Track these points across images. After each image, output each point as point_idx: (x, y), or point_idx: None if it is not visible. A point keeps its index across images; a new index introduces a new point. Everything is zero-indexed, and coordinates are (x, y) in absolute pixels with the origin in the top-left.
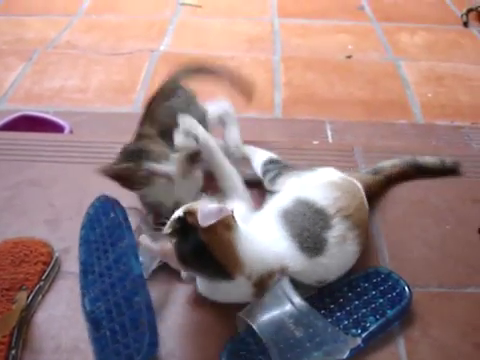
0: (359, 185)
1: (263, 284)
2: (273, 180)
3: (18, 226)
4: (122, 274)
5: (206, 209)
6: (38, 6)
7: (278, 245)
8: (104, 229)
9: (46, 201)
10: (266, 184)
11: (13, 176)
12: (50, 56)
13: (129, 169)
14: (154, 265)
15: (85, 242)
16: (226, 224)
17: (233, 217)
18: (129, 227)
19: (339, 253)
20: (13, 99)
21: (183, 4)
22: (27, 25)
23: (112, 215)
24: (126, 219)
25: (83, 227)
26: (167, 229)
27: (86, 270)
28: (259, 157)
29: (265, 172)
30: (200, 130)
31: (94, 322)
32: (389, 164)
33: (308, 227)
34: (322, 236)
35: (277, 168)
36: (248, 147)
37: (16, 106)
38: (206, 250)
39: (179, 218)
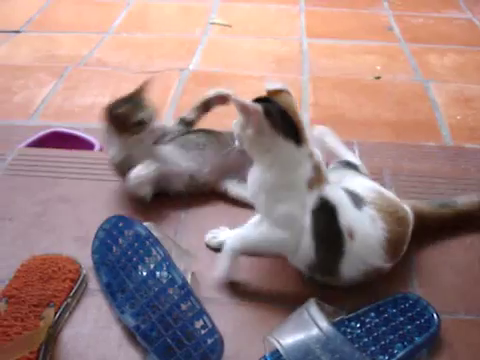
0: (410, 213)
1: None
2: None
3: (47, 242)
4: (164, 285)
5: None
6: (70, 23)
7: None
8: (126, 248)
9: (75, 218)
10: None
11: (43, 192)
12: (81, 73)
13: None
14: (188, 276)
15: (103, 265)
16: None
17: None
18: (156, 241)
19: (368, 223)
20: (44, 115)
21: (213, 23)
22: (59, 42)
23: (130, 233)
24: (150, 233)
25: (95, 251)
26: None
27: (114, 291)
28: (345, 154)
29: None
30: None
31: (144, 335)
32: (464, 199)
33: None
34: (359, 203)
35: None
36: (330, 135)
37: (47, 122)
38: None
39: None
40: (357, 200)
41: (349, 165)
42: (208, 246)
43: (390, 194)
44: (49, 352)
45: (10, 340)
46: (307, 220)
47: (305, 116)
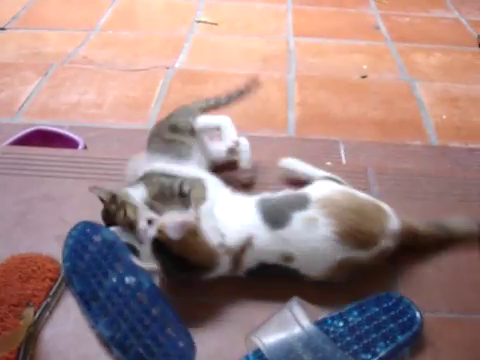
0: (392, 216)
1: (239, 259)
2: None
3: (29, 241)
4: (132, 291)
5: (171, 224)
6: (56, 20)
7: (244, 218)
8: (95, 254)
9: (58, 217)
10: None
11: (26, 191)
12: (66, 71)
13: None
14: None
15: (75, 273)
16: (192, 231)
17: (194, 223)
18: (123, 245)
19: (303, 231)
20: (28, 113)
21: (199, 21)
22: (45, 39)
23: (98, 239)
24: (117, 238)
25: (66, 259)
26: (149, 252)
27: (87, 299)
28: (319, 173)
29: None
30: None
31: (119, 345)
32: (461, 225)
33: (277, 205)
34: (288, 213)
35: (327, 179)
36: (298, 163)
37: (31, 120)
38: (185, 260)
39: (155, 239)
40: (297, 204)
41: (330, 179)
42: None
43: (364, 195)
44: (29, 351)
45: None
46: None
47: (291, 115)
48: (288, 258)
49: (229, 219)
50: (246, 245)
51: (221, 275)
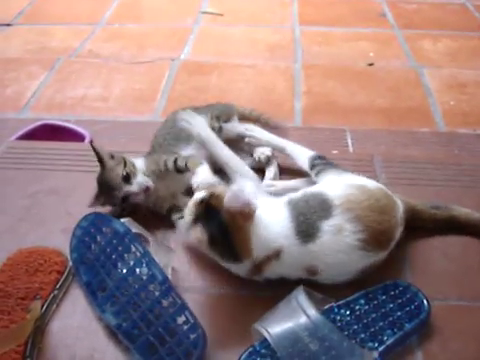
0: (398, 201)
1: (261, 267)
2: (318, 174)
3: (35, 235)
4: (144, 282)
5: (238, 191)
6: (62, 15)
7: (278, 226)
8: (105, 245)
9: (64, 210)
10: (313, 178)
11: (32, 185)
12: (72, 65)
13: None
14: (169, 272)
15: (82, 264)
16: (246, 214)
17: (255, 211)
18: (135, 237)
19: (332, 243)
20: (35, 107)
21: (204, 13)
22: (51, 34)
23: (107, 230)
24: (129, 230)
25: (73, 250)
26: (188, 215)
27: (94, 290)
28: (304, 153)
29: (312, 166)
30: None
31: (126, 333)
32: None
33: (306, 213)
34: (316, 223)
35: (322, 164)
36: (287, 143)
37: (38, 114)
38: (226, 233)
39: (202, 201)
40: (324, 211)
41: (322, 158)
42: None
43: (371, 183)
44: (37, 344)
45: None
46: None
47: (297, 104)
48: (313, 272)
49: (263, 223)
50: (273, 256)
51: (238, 273)
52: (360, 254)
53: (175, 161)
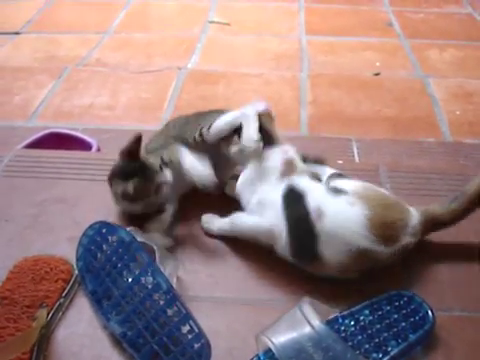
0: (411, 210)
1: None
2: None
3: (42, 243)
4: (149, 291)
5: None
6: (70, 24)
7: None
8: (110, 254)
9: (71, 219)
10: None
11: (39, 193)
12: (80, 74)
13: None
14: (174, 281)
15: (88, 272)
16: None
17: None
18: (140, 246)
19: (344, 209)
20: (43, 116)
21: (212, 22)
22: (58, 43)
23: (114, 238)
24: (135, 239)
25: (79, 259)
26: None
27: (99, 298)
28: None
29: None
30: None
31: (131, 342)
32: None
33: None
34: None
35: (337, 174)
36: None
37: (46, 123)
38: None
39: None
40: (336, 190)
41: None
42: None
43: (381, 189)
44: (42, 352)
45: (2, 341)
46: (279, 207)
47: (303, 113)
48: (319, 214)
49: None
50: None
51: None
52: (364, 233)
53: (161, 158)
